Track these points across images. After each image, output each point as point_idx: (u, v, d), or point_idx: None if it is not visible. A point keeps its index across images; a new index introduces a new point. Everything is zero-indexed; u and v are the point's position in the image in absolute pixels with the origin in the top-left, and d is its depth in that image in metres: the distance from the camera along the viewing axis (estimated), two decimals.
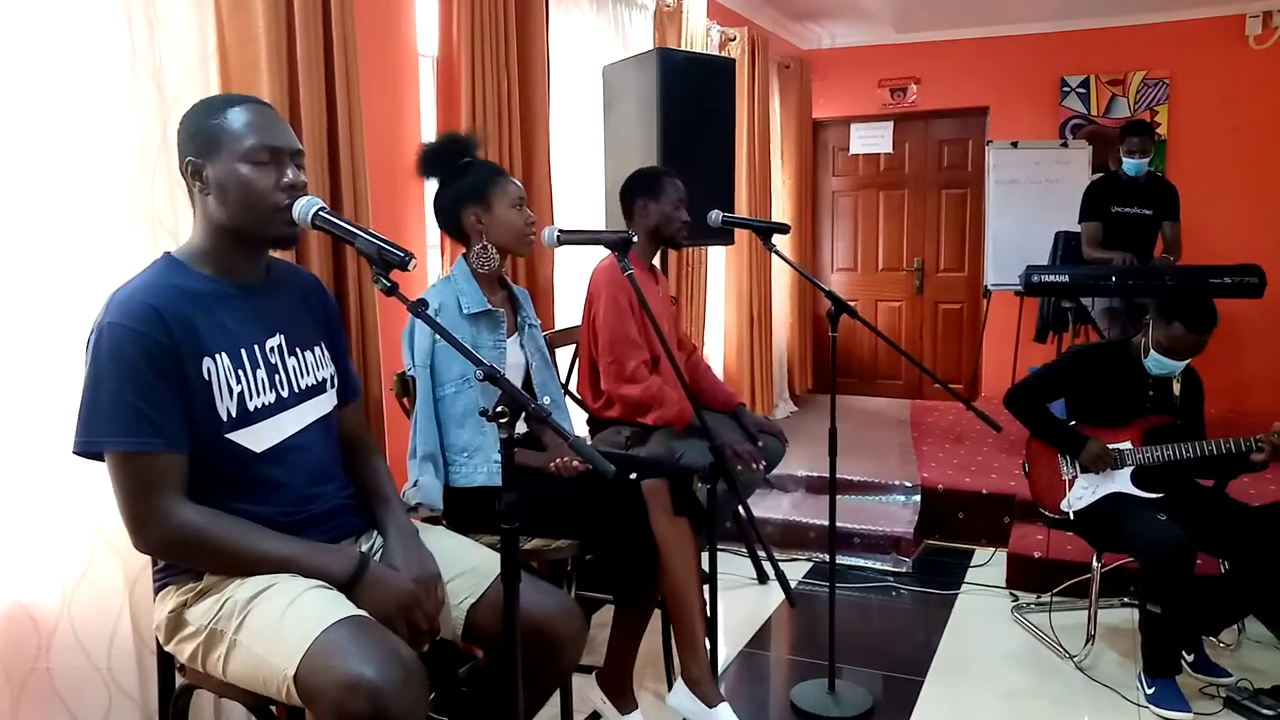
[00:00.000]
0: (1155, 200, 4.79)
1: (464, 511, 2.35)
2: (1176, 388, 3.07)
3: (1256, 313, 5.07)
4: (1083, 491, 3.05)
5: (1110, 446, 3.03)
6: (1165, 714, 2.75)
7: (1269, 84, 5.81)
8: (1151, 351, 2.96)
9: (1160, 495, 2.96)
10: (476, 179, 2.45)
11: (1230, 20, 5.85)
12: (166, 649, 1.71)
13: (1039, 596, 3.60)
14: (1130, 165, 4.68)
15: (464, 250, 2.50)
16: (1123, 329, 4.52)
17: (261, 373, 1.70)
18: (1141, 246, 4.76)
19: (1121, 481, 3.01)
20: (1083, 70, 6.24)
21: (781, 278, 6.35)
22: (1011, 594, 3.72)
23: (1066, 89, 6.29)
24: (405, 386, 2.49)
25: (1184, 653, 2.95)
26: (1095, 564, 3.10)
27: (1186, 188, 4.89)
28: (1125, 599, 3.51)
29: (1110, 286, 4.41)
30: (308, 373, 1.80)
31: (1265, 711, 2.73)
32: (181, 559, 1.66)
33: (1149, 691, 2.82)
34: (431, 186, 3.05)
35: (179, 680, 1.80)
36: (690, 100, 3.74)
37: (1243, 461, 2.90)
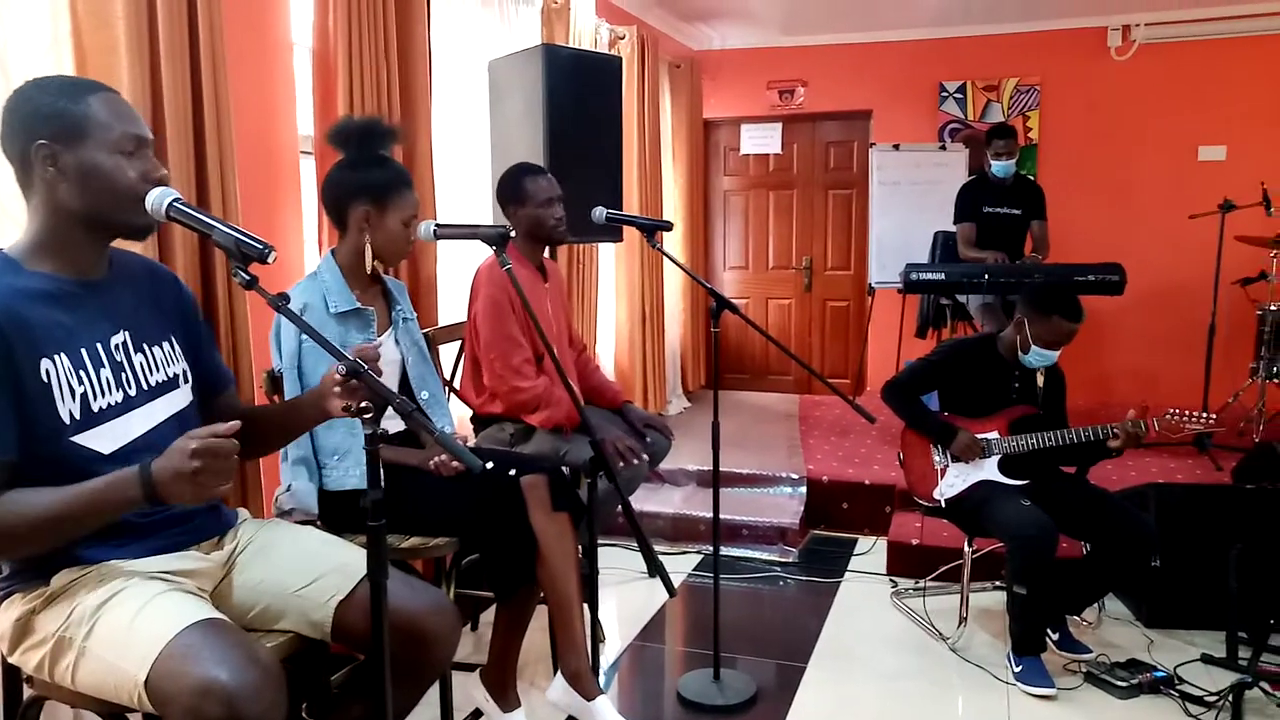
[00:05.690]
0: (1023, 200, 5.02)
1: (339, 513, 2.30)
2: (1040, 380, 3.21)
3: (1117, 309, 5.36)
4: (954, 480, 3.16)
5: (979, 436, 3.15)
6: (1031, 690, 2.88)
7: (1129, 93, 6.13)
8: (1033, 347, 3.06)
9: (1026, 482, 3.09)
10: (385, 178, 2.38)
11: (1093, 32, 6.15)
12: (10, 660, 1.63)
13: (916, 582, 3.72)
14: (999, 167, 4.90)
15: (337, 242, 2.45)
16: (999, 324, 4.71)
17: (106, 371, 1.63)
18: (1011, 245, 4.98)
19: (990, 469, 3.14)
20: (959, 76, 6.47)
21: (674, 275, 6.40)
22: (891, 580, 3.84)
23: (945, 94, 6.52)
24: (275, 384, 2.42)
25: (1049, 631, 3.09)
26: (967, 549, 3.23)
27: (1055, 190, 5.14)
28: (996, 583, 3.66)
29: (983, 284, 4.61)
30: (156, 369, 1.73)
31: (1120, 684, 2.89)
32: None
33: (1016, 670, 2.95)
34: (309, 175, 3.00)
35: (27, 692, 1.72)
36: (577, 97, 3.74)
37: (1101, 448, 3.05)
